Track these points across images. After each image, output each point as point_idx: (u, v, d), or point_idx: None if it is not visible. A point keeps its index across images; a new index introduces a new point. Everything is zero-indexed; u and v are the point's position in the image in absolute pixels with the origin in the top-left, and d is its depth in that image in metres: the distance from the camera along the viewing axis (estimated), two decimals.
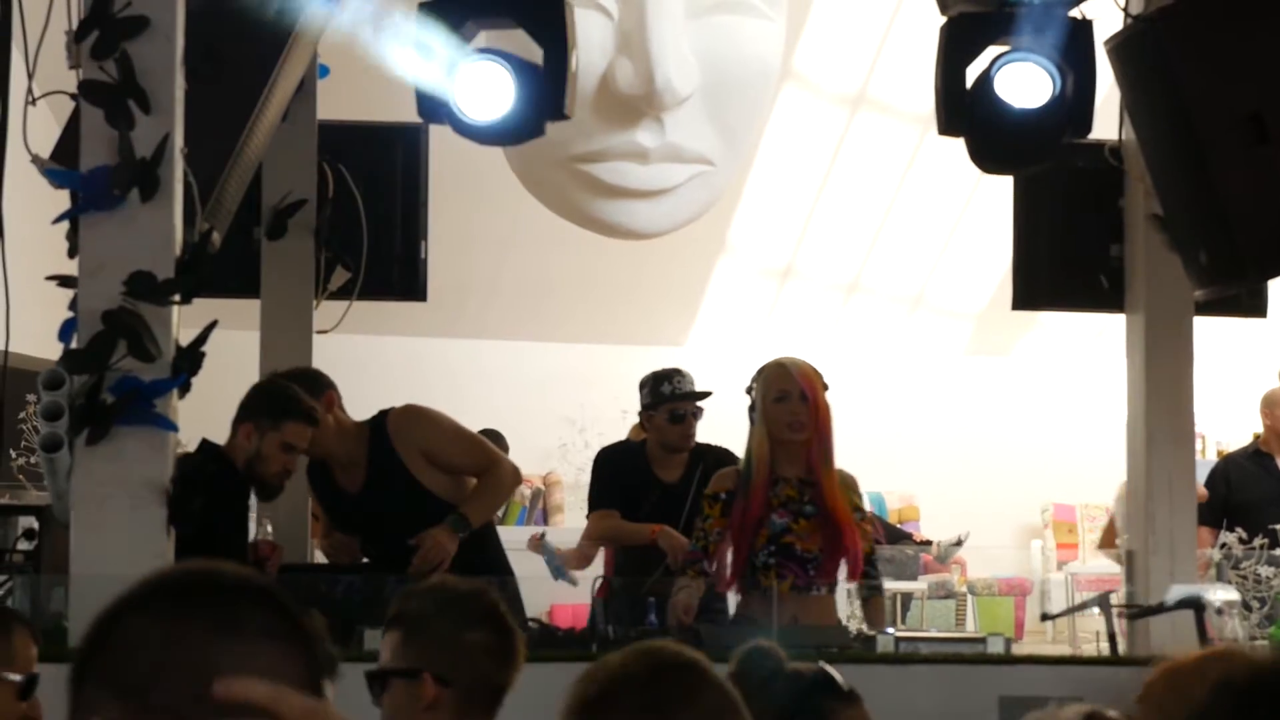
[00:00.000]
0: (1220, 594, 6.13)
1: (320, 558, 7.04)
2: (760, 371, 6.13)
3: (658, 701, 2.62)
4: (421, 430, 6.58)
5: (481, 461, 6.63)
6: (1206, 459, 11.98)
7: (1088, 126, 6.24)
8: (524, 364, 15.01)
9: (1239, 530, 7.28)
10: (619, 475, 7.25)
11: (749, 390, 6.13)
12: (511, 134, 6.28)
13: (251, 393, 6.33)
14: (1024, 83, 6.09)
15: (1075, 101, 6.06)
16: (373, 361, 13.67)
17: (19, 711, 3.44)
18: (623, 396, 12.93)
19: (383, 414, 6.63)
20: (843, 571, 6.06)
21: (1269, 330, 10.26)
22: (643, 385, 7.30)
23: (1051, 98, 6.05)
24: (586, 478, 8.92)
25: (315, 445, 6.37)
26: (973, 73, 6.09)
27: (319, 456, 6.55)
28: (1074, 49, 6.06)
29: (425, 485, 6.51)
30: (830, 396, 6.15)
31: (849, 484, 6.20)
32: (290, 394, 6.23)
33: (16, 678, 3.39)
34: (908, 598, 13.07)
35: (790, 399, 5.95)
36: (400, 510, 6.44)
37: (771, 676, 3.49)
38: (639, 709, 2.61)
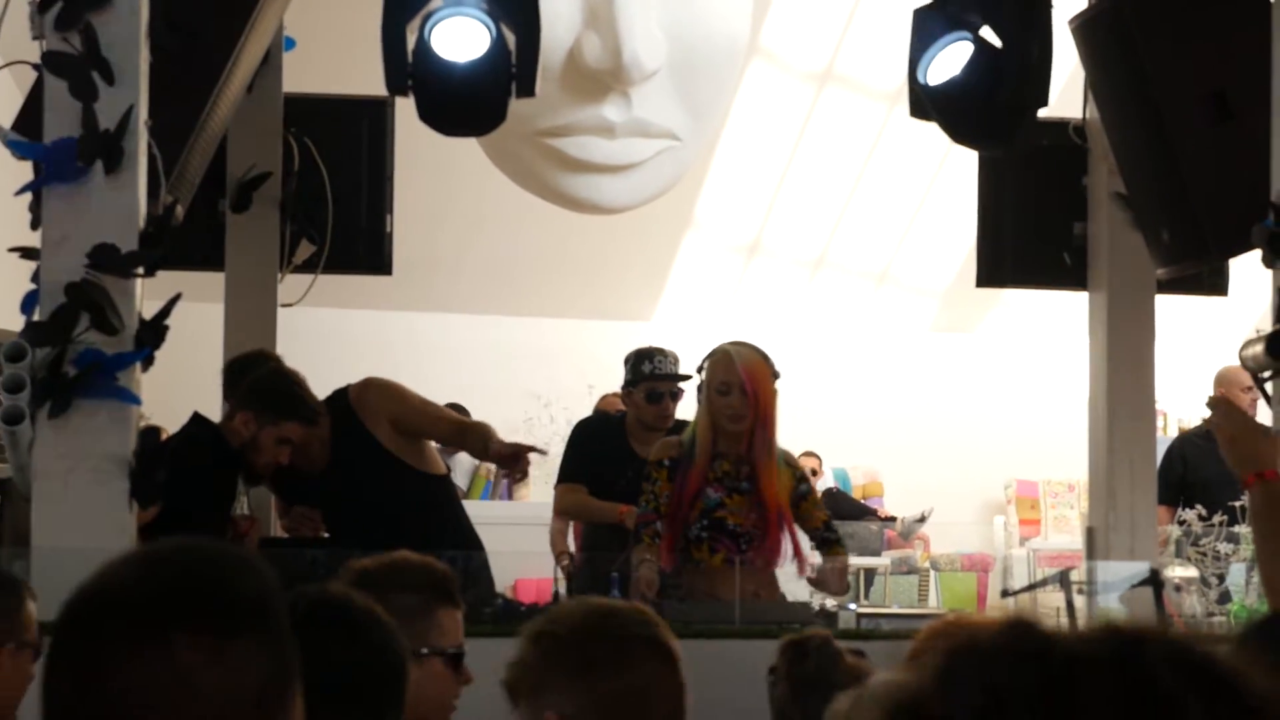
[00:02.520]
0: (1178, 570, 6.17)
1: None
2: (710, 356, 6.18)
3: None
4: (386, 401, 6.58)
5: (453, 426, 6.68)
6: (1167, 436, 12.04)
7: (1044, 98, 6.26)
8: (490, 338, 15.01)
9: (1198, 507, 7.32)
10: (595, 450, 7.27)
11: (699, 369, 6.19)
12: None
13: (259, 383, 6.30)
14: (973, 63, 6.11)
15: (1033, 74, 6.08)
16: (338, 335, 13.65)
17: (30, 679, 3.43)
18: (589, 371, 12.98)
19: (341, 392, 6.60)
20: (792, 567, 6.15)
21: (1228, 307, 10.31)
22: (626, 361, 7.34)
23: (1006, 87, 6.08)
24: (553, 452, 8.92)
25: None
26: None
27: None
28: (1030, 21, 6.08)
29: (397, 454, 6.52)
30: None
31: (794, 463, 6.27)
32: (297, 394, 6.24)
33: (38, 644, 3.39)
34: (871, 573, 13.10)
35: (731, 392, 6.04)
36: (371, 484, 6.44)
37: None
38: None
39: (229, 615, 1.64)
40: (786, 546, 6.14)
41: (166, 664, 1.60)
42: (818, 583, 6.13)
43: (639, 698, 2.82)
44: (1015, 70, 6.14)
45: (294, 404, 6.21)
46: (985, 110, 6.33)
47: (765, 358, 6.17)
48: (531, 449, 6.44)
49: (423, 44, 6.16)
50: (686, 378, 7.14)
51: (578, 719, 2.79)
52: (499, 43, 6.22)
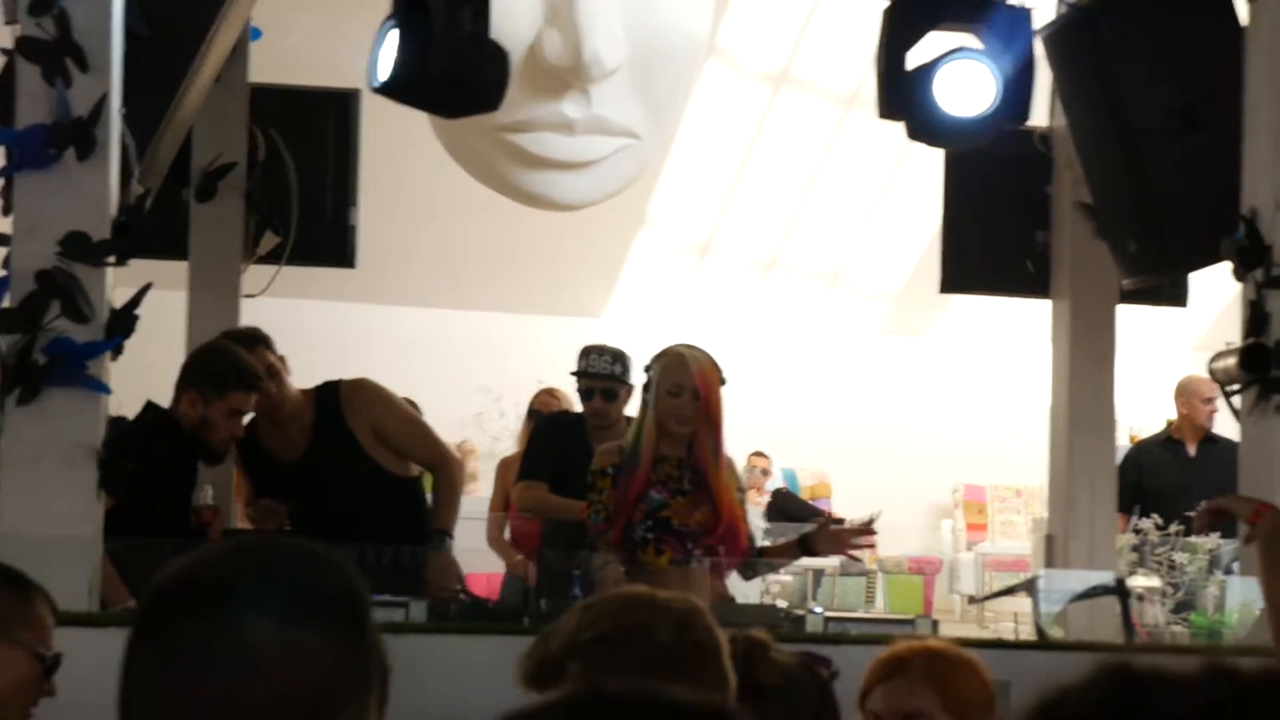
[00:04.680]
0: (1141, 580, 6.20)
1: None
2: (660, 356, 6.15)
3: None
4: (377, 407, 6.60)
5: (433, 456, 6.68)
6: (1120, 445, 12.11)
7: (1025, 115, 6.28)
8: (443, 331, 14.99)
9: (1154, 516, 7.36)
10: (555, 446, 7.26)
11: (647, 369, 6.17)
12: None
13: (194, 360, 6.29)
14: (967, 84, 6.12)
15: (1014, 91, 6.10)
16: (294, 326, 13.59)
17: (38, 686, 3.37)
18: (539, 366, 12.94)
19: (333, 384, 6.61)
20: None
21: (1181, 318, 10.39)
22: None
23: (993, 104, 6.09)
24: (502, 446, 8.93)
25: (264, 405, 6.39)
26: (913, 58, 6.12)
27: (268, 414, 6.52)
28: (1014, 37, 6.10)
29: (372, 455, 6.52)
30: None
31: (734, 469, 6.26)
32: (233, 361, 6.20)
33: (47, 653, 3.32)
34: (819, 574, 13.14)
35: (683, 394, 6.02)
36: (344, 481, 6.44)
37: None
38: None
39: (302, 602, 1.68)
40: (744, 540, 6.13)
41: (235, 639, 1.64)
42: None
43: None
44: (1000, 104, 6.15)
45: (233, 374, 6.17)
46: (958, 128, 6.33)
47: (715, 363, 6.18)
48: (447, 592, 6.25)
49: None
50: (611, 378, 7.12)
51: None
52: None
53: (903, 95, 6.07)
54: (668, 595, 2.71)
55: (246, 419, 6.29)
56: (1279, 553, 3.70)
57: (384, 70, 5.95)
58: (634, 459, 6.08)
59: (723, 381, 6.15)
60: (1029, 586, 6.00)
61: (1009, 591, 6.57)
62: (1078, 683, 1.16)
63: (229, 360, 6.24)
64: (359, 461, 6.48)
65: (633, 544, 6.06)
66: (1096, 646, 5.45)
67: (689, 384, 6.01)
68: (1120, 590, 5.79)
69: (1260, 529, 3.78)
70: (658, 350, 6.25)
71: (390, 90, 5.98)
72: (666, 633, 2.61)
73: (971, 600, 10.11)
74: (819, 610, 5.63)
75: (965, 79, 6.09)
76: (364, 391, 6.62)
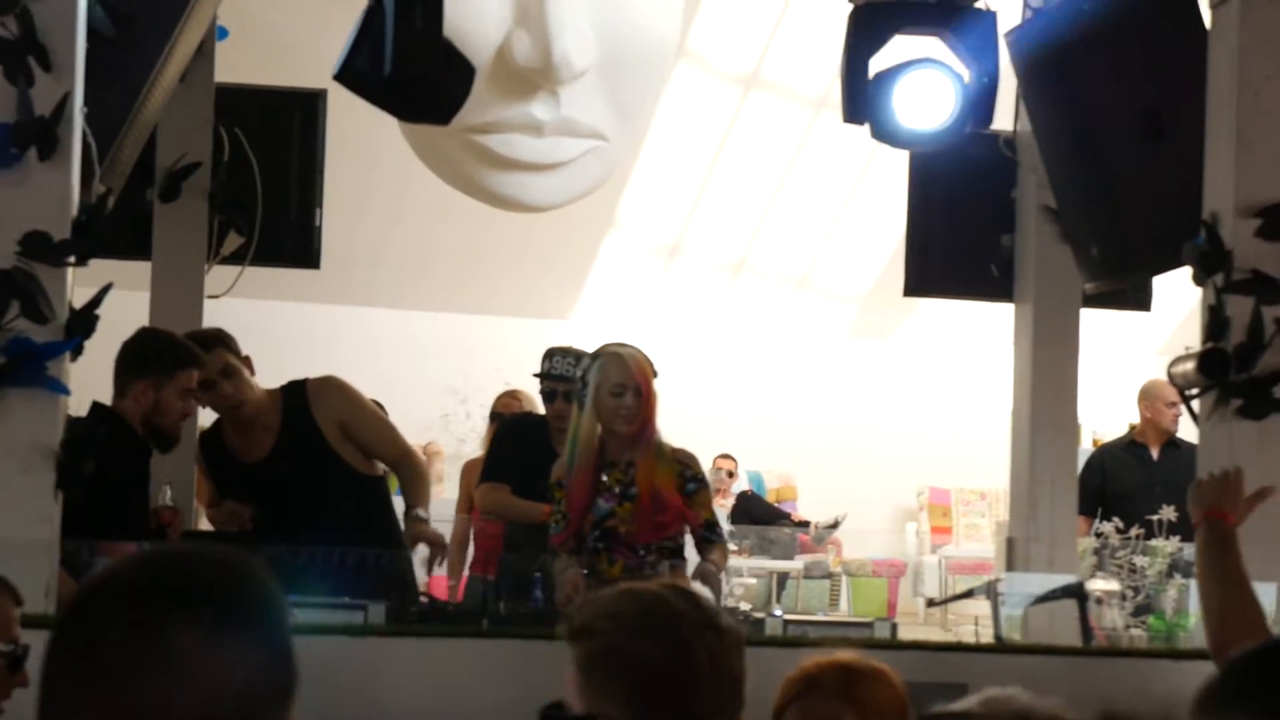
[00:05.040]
0: (1099, 583, 6.22)
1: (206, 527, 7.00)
2: (596, 358, 6.15)
3: None
4: (343, 403, 6.60)
5: (396, 452, 6.68)
6: (1083, 448, 12.15)
7: (989, 119, 6.30)
8: (409, 333, 14.97)
9: (1115, 520, 7.39)
10: (518, 448, 7.26)
11: (583, 373, 6.16)
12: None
13: (134, 349, 6.24)
14: (928, 94, 6.14)
15: (977, 96, 6.12)
16: (260, 326, 13.56)
17: (5, 678, 3.34)
18: (505, 368, 12.94)
19: (299, 383, 6.60)
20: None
21: (1145, 322, 10.41)
22: None
23: (953, 115, 6.11)
24: (468, 448, 8.91)
25: (230, 402, 6.39)
26: (877, 63, 6.13)
27: (230, 413, 6.52)
28: (980, 41, 6.12)
29: (341, 456, 6.52)
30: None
31: (686, 460, 6.21)
32: (174, 342, 6.21)
33: (6, 647, 3.29)
34: (784, 577, 13.15)
35: (626, 393, 6.02)
36: (310, 478, 6.44)
37: None
38: None
39: (229, 606, 1.68)
40: (660, 526, 6.08)
41: (161, 643, 1.63)
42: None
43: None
44: (962, 113, 6.17)
45: (176, 353, 6.17)
46: (921, 135, 6.34)
47: (649, 358, 6.20)
48: (434, 557, 6.38)
49: None
50: (568, 380, 7.12)
51: None
52: None
53: (865, 101, 6.09)
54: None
55: (209, 420, 6.28)
56: (1214, 559, 3.71)
57: (344, 63, 5.98)
58: (573, 466, 6.08)
59: (655, 375, 6.17)
60: (987, 590, 6.02)
61: (967, 594, 6.58)
62: None
63: (167, 340, 6.24)
64: (325, 458, 6.47)
65: (588, 554, 6.07)
66: (1054, 650, 5.47)
67: (631, 383, 6.02)
68: (1079, 593, 5.81)
69: (1200, 532, 3.79)
70: (590, 354, 6.25)
71: (347, 81, 5.99)
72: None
73: (930, 603, 10.12)
74: (778, 614, 5.64)
75: (927, 88, 6.11)
76: (331, 388, 6.62)
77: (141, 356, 6.17)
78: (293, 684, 1.71)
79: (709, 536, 6.13)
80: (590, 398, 6.05)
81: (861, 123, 6.15)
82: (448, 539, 7.87)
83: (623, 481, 6.08)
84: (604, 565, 6.04)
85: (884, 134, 6.21)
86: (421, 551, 6.38)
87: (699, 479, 6.19)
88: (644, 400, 6.03)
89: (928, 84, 6.12)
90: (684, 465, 6.16)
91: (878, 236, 14.66)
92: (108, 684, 1.64)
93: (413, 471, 6.66)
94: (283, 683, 1.69)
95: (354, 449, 6.58)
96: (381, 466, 6.76)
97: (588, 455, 6.06)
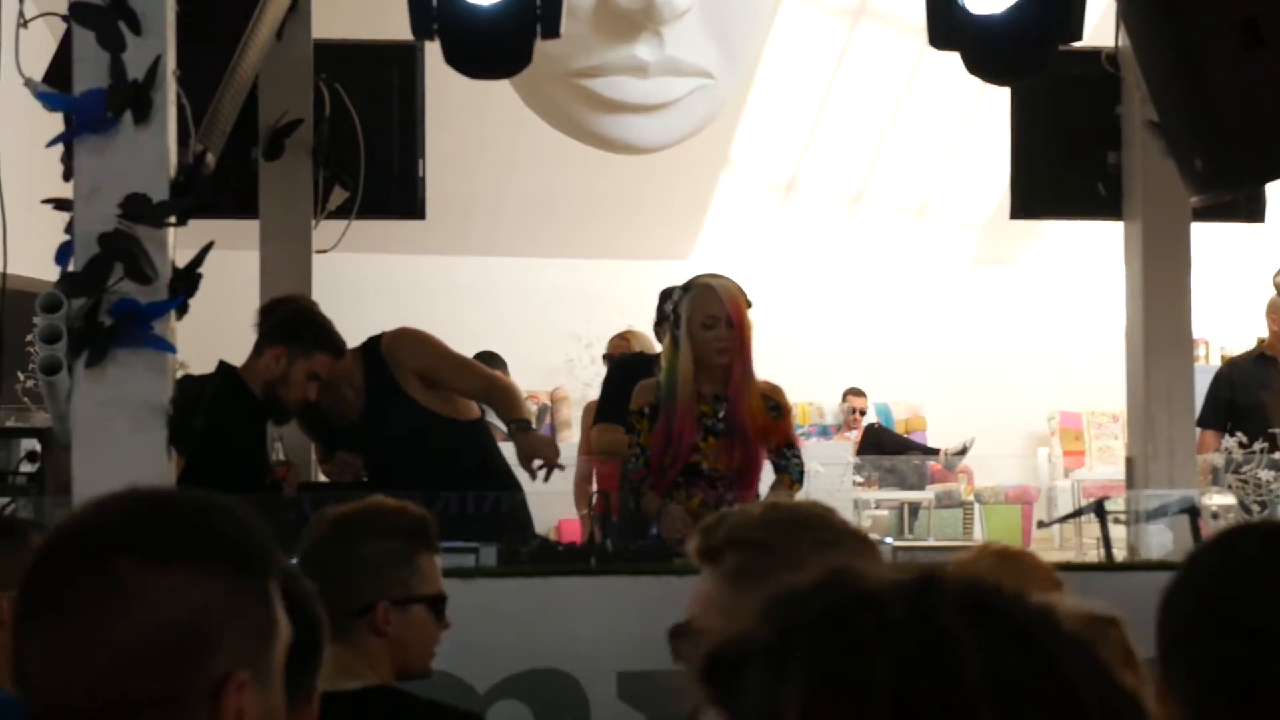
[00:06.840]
0: (1215, 498, 6.16)
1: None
2: (687, 290, 6.10)
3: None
4: (417, 353, 6.60)
5: (481, 383, 6.68)
6: (1209, 364, 12.00)
7: (1078, 32, 6.21)
8: (529, 281, 15.03)
9: (1239, 434, 7.31)
10: (629, 388, 7.29)
11: (675, 306, 6.11)
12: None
13: (287, 316, 6.35)
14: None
15: (1060, 4, 6.04)
16: (375, 280, 13.69)
17: None
18: (629, 311, 12.97)
19: (374, 340, 6.63)
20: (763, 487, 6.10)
21: (1268, 235, 10.24)
22: (660, 299, 7.36)
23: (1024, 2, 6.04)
24: (593, 393, 8.94)
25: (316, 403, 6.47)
26: None
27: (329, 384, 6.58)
28: None
29: (425, 404, 6.55)
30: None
31: (770, 391, 6.15)
32: (325, 325, 6.30)
33: None
34: (915, 507, 13.13)
35: (718, 325, 5.95)
36: (404, 432, 6.47)
37: None
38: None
39: (171, 539, 1.70)
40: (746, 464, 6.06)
41: (103, 574, 1.67)
42: None
43: None
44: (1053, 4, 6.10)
45: (323, 335, 6.26)
46: (1016, 44, 6.28)
47: (742, 289, 6.14)
48: (548, 465, 6.38)
49: None
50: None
51: None
52: None
53: (952, 23, 6.03)
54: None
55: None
56: None
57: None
58: (671, 398, 6.02)
59: (749, 305, 6.12)
60: (1097, 509, 5.97)
61: (1075, 515, 6.53)
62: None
63: (322, 323, 6.32)
64: (412, 412, 6.50)
65: (668, 485, 6.03)
66: (1164, 565, 5.43)
67: (722, 314, 5.96)
68: (1192, 509, 5.75)
69: None
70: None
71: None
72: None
73: (1040, 524, 10.06)
74: (889, 541, 5.63)
75: None
76: (402, 340, 6.63)
77: (293, 326, 6.28)
78: (273, 623, 1.73)
79: (781, 462, 6.08)
80: (684, 331, 6.00)
81: (951, 48, 6.09)
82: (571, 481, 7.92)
83: (710, 416, 6.03)
84: (682, 498, 6.00)
85: (975, 56, 6.14)
86: (536, 463, 6.36)
87: (778, 407, 6.15)
88: (736, 330, 5.97)
89: None
90: (768, 395, 6.13)
91: (995, 162, 14.50)
92: (58, 615, 1.68)
93: (500, 392, 6.64)
94: (248, 619, 1.70)
95: (439, 397, 6.57)
96: (478, 409, 6.79)
97: (686, 388, 6.01)
